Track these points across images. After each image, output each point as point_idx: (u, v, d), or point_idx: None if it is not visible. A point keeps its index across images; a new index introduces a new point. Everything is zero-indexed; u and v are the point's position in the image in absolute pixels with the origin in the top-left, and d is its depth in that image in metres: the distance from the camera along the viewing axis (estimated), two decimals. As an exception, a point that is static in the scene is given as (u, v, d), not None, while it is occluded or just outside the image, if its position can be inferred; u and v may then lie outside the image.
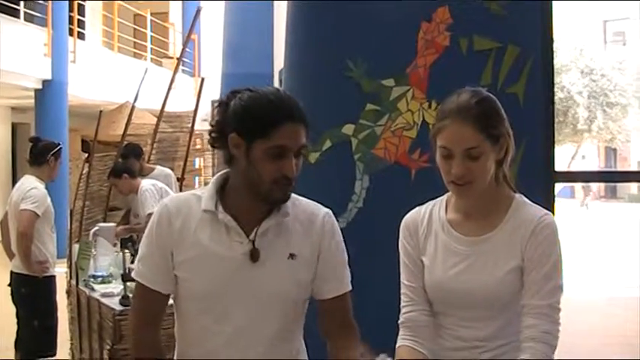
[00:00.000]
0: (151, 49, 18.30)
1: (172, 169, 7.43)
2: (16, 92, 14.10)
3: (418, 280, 2.16)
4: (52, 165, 5.38)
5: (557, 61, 22.46)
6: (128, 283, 4.50)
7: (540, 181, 3.04)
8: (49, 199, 5.33)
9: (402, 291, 2.19)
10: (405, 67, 3.00)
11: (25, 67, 12.91)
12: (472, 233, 2.10)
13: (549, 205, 2.81)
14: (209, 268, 1.96)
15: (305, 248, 2.02)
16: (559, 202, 3.25)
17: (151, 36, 18.23)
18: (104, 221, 6.55)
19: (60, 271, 5.73)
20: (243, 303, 1.95)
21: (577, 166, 28.89)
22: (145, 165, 6.92)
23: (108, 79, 15.07)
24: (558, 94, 24.97)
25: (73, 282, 5.54)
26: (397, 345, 2.13)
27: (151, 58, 18.18)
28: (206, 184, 8.86)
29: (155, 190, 6.17)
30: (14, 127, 17.32)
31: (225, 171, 2.04)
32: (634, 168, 30.64)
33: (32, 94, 13.82)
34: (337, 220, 2.13)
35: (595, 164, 32.63)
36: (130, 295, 4.39)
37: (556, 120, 3.46)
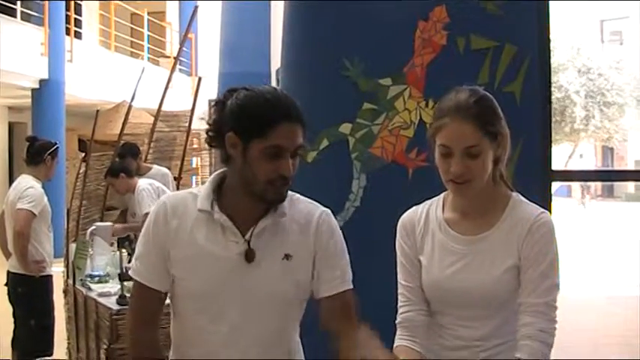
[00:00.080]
0: (148, 48, 18.29)
1: (169, 169, 7.42)
2: (13, 91, 14.08)
3: (415, 279, 2.16)
4: (48, 164, 5.38)
5: (555, 60, 22.50)
6: (125, 283, 4.50)
7: (537, 179, 3.04)
8: (45, 199, 5.33)
9: (400, 291, 2.18)
10: (402, 66, 3.00)
11: (21, 67, 12.89)
12: (469, 232, 2.10)
13: (546, 204, 2.81)
14: (204, 267, 1.95)
15: (301, 248, 2.01)
16: (556, 201, 3.25)
17: (148, 35, 18.21)
18: (101, 221, 6.54)
19: (57, 270, 5.73)
20: (238, 303, 1.95)
21: (574, 165, 28.92)
22: (142, 164, 6.91)
23: (105, 78, 15.05)
24: (555, 94, 25.01)
25: (70, 281, 5.54)
26: (394, 345, 2.12)
27: (148, 58, 18.16)
28: (203, 183, 8.86)
29: (152, 190, 6.17)
30: (11, 127, 17.30)
31: (222, 170, 2.03)
32: (631, 167, 30.66)
33: (29, 93, 13.81)
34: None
35: (592, 163, 32.68)
36: (127, 295, 4.39)
37: (553, 119, 3.47)
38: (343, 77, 3.03)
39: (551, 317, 2.00)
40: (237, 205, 1.98)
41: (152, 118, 7.97)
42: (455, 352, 2.11)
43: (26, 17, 13.66)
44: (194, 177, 9.20)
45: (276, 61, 7.88)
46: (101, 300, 4.70)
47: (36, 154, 5.35)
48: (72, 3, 14.58)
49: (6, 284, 5.40)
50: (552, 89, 3.33)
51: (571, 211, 23.75)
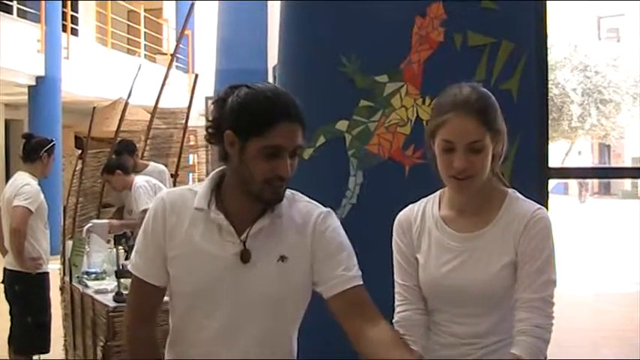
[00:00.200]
0: (145, 45, 18.28)
1: (166, 166, 7.42)
2: (9, 89, 14.06)
3: (412, 278, 2.15)
4: (45, 161, 5.37)
5: (552, 58, 22.50)
6: (122, 280, 4.50)
7: (534, 177, 3.04)
8: (42, 196, 5.32)
9: (396, 290, 2.18)
10: (398, 62, 3.00)
11: (18, 64, 12.88)
12: (465, 229, 2.10)
13: (543, 201, 2.81)
14: (199, 266, 1.94)
15: (298, 250, 1.97)
16: (553, 199, 3.25)
17: (145, 32, 18.20)
18: (98, 218, 6.53)
19: (53, 267, 5.72)
20: (231, 302, 1.93)
21: (571, 163, 28.93)
22: (138, 161, 6.91)
23: (101, 75, 15.04)
24: (553, 91, 25.01)
25: (67, 278, 5.54)
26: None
27: (145, 55, 18.15)
28: (200, 180, 8.86)
29: (149, 187, 6.16)
30: (7, 124, 17.28)
31: (221, 168, 2.01)
32: (628, 164, 30.69)
33: (25, 90, 13.80)
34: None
35: (589, 161, 32.72)
36: (124, 292, 4.39)
37: (550, 116, 3.47)
38: (340, 74, 3.03)
39: (547, 313, 2.00)
40: (234, 204, 1.96)
41: (149, 115, 7.96)
42: (452, 350, 2.11)
43: (22, 14, 13.64)
44: (191, 174, 9.21)
45: (273, 58, 7.87)
46: (98, 297, 4.70)
47: (32, 151, 5.35)
48: (68, 0, 14.55)
49: (2, 281, 5.40)
50: (550, 86, 3.33)
51: (568, 209, 23.76)
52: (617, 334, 7.90)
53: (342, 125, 3.03)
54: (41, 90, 13.54)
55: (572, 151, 30.10)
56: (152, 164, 7.11)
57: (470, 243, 2.08)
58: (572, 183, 30.67)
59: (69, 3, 14.64)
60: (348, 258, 1.99)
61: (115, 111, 11.36)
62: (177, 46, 8.37)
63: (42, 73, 13.46)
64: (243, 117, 1.87)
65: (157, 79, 7.73)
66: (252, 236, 1.94)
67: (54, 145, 5.50)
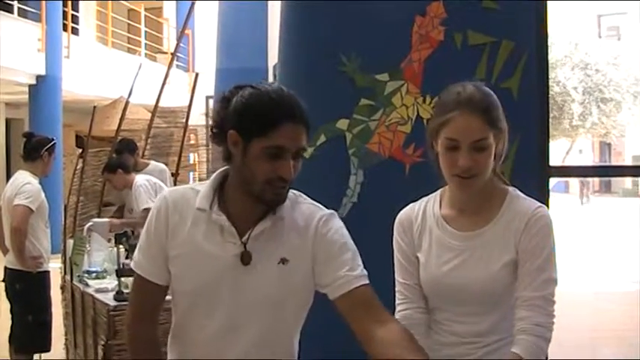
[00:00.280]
0: (145, 44, 18.27)
1: (167, 165, 7.42)
2: (10, 88, 14.07)
3: (413, 277, 2.15)
4: (45, 160, 5.38)
5: (552, 56, 22.48)
6: (122, 279, 4.50)
7: (535, 175, 3.04)
8: (43, 195, 5.32)
9: (397, 289, 2.18)
10: (399, 61, 3.00)
11: (18, 63, 12.88)
12: (466, 228, 2.10)
13: (544, 200, 2.81)
14: (200, 265, 1.94)
15: (299, 252, 1.96)
16: (553, 197, 3.25)
17: (145, 31, 18.19)
18: (98, 217, 6.53)
19: (54, 266, 5.73)
20: (230, 303, 1.93)
21: (572, 161, 28.94)
22: (139, 160, 6.91)
23: (102, 74, 15.04)
24: (554, 89, 24.99)
25: (68, 277, 5.54)
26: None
27: (145, 54, 18.15)
28: (200, 179, 8.86)
29: (149, 186, 6.17)
30: (8, 123, 17.29)
31: (225, 168, 2.00)
32: (628, 163, 30.70)
33: (26, 89, 13.81)
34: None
35: (589, 159, 32.73)
36: (125, 291, 4.39)
37: (551, 115, 3.47)
38: (340, 73, 3.03)
39: (548, 311, 1.99)
40: (237, 205, 1.96)
41: (149, 114, 7.97)
42: (453, 349, 2.11)
43: (23, 13, 13.64)
44: (191, 173, 9.21)
45: (273, 57, 7.87)
46: (98, 296, 4.70)
47: (33, 150, 5.36)
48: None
49: (3, 280, 5.40)
50: (550, 84, 3.33)
51: (568, 207, 23.77)
52: (616, 333, 7.90)
53: (342, 124, 3.03)
54: (42, 89, 13.55)
55: (573, 150, 30.12)
56: (153, 163, 7.11)
57: (471, 242, 2.08)
58: (573, 181, 30.67)
59: (69, 2, 14.65)
60: (352, 258, 1.96)
61: (115, 110, 11.36)
62: (177, 45, 8.38)
63: (42, 72, 13.47)
64: (247, 117, 1.87)
65: (158, 78, 7.74)
66: (253, 238, 1.94)
67: (54, 144, 5.51)
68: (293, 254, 1.96)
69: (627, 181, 30.31)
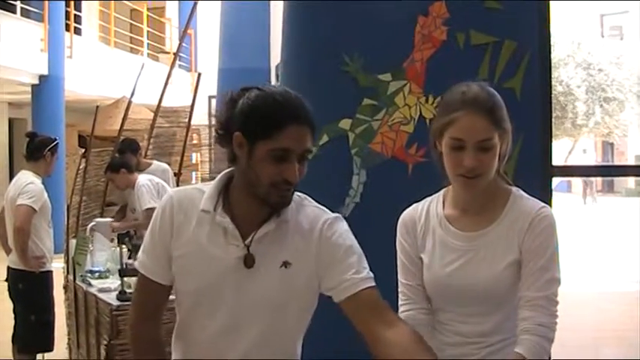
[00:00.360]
0: (148, 44, 18.28)
1: (169, 164, 7.43)
2: (13, 87, 14.09)
3: (416, 278, 2.15)
4: (48, 160, 5.38)
5: (555, 55, 22.43)
6: (125, 279, 4.51)
7: (538, 175, 3.04)
8: (45, 194, 5.33)
9: (400, 289, 2.17)
10: (401, 61, 3.00)
11: (21, 63, 12.90)
12: (470, 228, 2.10)
13: (546, 200, 2.80)
14: (203, 266, 1.94)
15: (302, 255, 1.95)
16: (556, 197, 3.24)
17: (148, 31, 18.20)
18: (101, 216, 6.55)
19: (57, 266, 5.74)
20: (232, 304, 1.93)
21: (575, 161, 28.92)
22: (141, 160, 6.92)
23: (104, 74, 15.05)
24: (557, 88, 24.96)
25: (70, 277, 5.56)
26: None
27: (148, 54, 18.16)
28: (203, 179, 8.87)
29: (152, 186, 6.17)
30: (11, 123, 17.31)
31: (230, 169, 2.00)
32: (631, 162, 30.66)
33: (29, 89, 13.82)
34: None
35: (592, 159, 32.70)
36: (128, 291, 4.40)
37: (553, 114, 3.46)
38: (343, 73, 3.02)
39: (551, 311, 1.99)
40: (241, 207, 1.95)
41: (152, 114, 7.98)
42: (457, 349, 2.10)
43: (26, 13, 13.66)
44: (194, 173, 9.21)
45: (275, 57, 7.87)
46: (101, 296, 4.71)
47: (36, 149, 5.36)
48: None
49: (6, 280, 5.41)
50: (554, 84, 3.32)
51: (571, 207, 23.74)
52: (617, 333, 7.88)
53: (345, 124, 3.03)
54: (44, 89, 13.56)
55: (576, 149, 30.07)
56: (155, 163, 7.12)
57: (474, 242, 2.08)
58: (576, 181, 30.64)
59: (72, 2, 14.67)
60: (358, 261, 1.95)
61: (118, 110, 11.39)
62: (180, 45, 8.40)
63: (45, 72, 13.48)
64: (253, 119, 1.86)
65: (160, 78, 7.75)
66: (256, 241, 1.93)
67: (57, 143, 5.51)
68: (296, 257, 1.95)
69: (630, 181, 30.26)
